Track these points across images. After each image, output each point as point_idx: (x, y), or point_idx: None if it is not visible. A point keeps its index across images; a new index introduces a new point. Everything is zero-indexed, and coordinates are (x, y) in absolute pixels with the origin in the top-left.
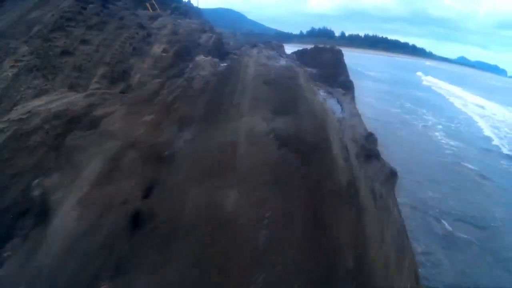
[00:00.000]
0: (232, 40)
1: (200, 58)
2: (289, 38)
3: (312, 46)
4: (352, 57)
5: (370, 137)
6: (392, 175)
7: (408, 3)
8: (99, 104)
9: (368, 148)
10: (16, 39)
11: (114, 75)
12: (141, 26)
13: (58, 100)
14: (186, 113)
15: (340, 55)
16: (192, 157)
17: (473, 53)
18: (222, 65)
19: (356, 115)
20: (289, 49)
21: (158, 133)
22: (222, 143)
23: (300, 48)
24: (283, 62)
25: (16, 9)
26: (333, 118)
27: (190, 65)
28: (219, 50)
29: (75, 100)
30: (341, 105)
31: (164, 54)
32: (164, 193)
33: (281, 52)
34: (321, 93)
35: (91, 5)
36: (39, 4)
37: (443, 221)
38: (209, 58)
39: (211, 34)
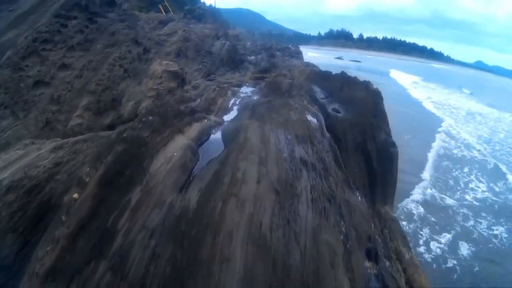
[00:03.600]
0: (250, 41)
1: (163, 161)
2: (307, 39)
3: (332, 49)
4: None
5: None
6: None
7: (428, 5)
8: (68, 162)
9: None
10: None
11: (101, 105)
12: (136, 42)
13: (15, 163)
14: None
15: (378, 99)
16: None
17: (491, 57)
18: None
19: None
20: (306, 51)
21: None
22: None
23: (319, 51)
24: (306, 216)
25: None
26: None
27: (138, 193)
28: (233, 58)
29: (37, 159)
30: None
31: (75, 196)
32: None
33: (299, 59)
34: None
35: (73, 21)
36: (15, 22)
37: None
38: (177, 158)
39: (224, 41)
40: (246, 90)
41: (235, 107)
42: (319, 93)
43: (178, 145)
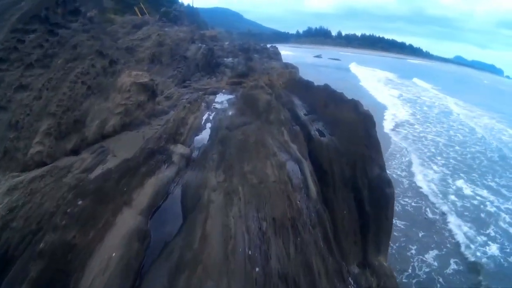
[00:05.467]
0: (228, 40)
1: (98, 269)
2: (286, 38)
3: (311, 47)
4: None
5: None
6: None
7: (408, 2)
8: (23, 205)
9: None
10: None
11: (62, 128)
12: (101, 54)
13: None
14: None
15: (370, 124)
16: None
17: (470, 52)
18: None
19: None
20: (284, 49)
21: None
22: None
23: (298, 49)
24: None
25: None
26: None
27: None
28: (209, 62)
29: None
30: None
31: None
32: None
33: (278, 60)
34: None
35: (31, 35)
36: None
37: None
38: (117, 260)
39: (200, 45)
40: (221, 98)
41: (208, 125)
42: (300, 108)
43: (120, 233)
